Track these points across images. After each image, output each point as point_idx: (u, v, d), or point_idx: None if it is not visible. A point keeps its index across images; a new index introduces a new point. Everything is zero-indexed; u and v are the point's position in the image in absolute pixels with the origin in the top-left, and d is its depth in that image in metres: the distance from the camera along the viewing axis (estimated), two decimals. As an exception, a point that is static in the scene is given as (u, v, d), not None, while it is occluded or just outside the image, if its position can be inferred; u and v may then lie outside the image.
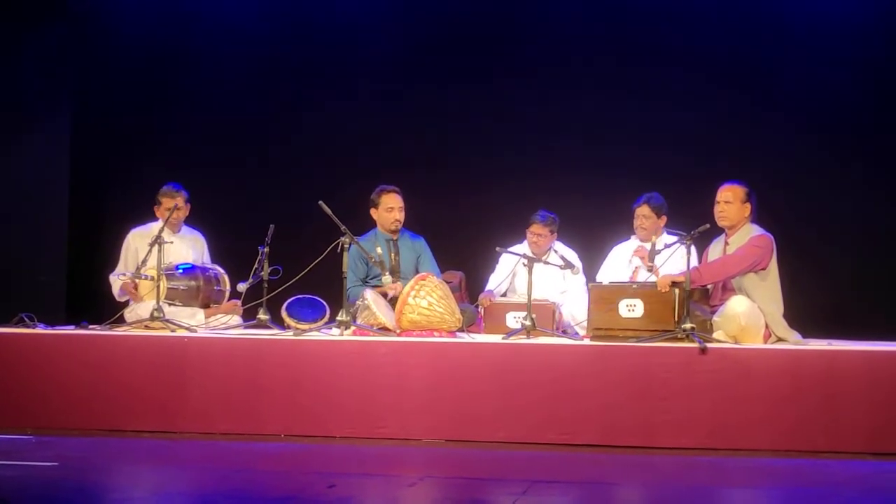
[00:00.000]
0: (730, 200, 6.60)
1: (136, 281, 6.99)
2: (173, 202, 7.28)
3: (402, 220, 7.44)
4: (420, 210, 7.72)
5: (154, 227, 7.21)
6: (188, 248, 7.42)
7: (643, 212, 7.27)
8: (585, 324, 6.87)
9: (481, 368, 6.10)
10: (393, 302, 6.88)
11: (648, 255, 6.67)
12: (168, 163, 8.75)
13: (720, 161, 8.12)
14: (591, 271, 7.62)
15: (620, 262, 7.41)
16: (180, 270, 7.11)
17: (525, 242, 7.60)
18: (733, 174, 6.79)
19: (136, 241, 7.27)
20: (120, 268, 7.26)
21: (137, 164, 8.99)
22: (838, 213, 8.40)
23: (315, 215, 6.76)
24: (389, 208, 7.40)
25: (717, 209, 6.64)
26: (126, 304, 7.22)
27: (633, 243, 7.38)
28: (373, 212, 7.48)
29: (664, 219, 7.28)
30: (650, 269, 6.63)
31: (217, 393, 6.21)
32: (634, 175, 8.11)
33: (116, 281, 7.24)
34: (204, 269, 7.27)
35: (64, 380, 6.31)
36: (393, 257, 7.41)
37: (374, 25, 9.00)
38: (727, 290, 6.59)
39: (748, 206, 6.60)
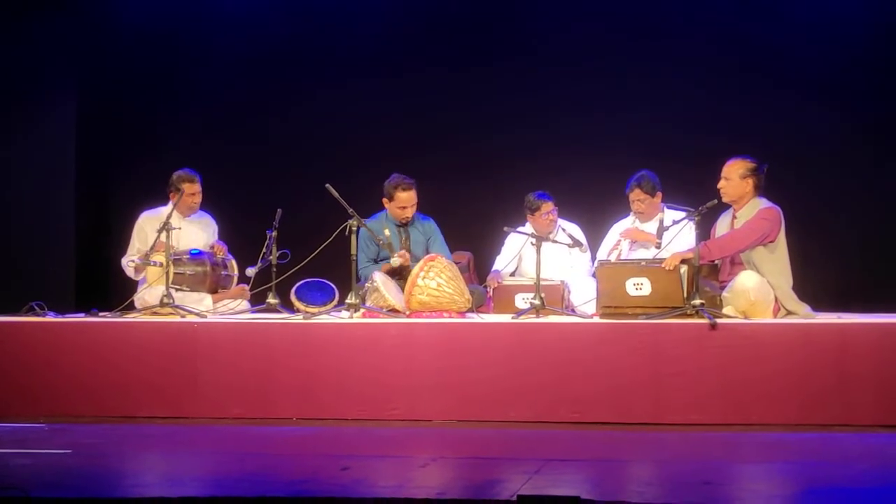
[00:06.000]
0: (728, 177, 6.57)
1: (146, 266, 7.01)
2: (195, 187, 7.27)
3: (413, 213, 7.40)
4: (427, 191, 7.69)
5: (164, 212, 7.20)
6: (198, 231, 7.40)
7: (637, 196, 7.20)
8: (591, 302, 6.86)
9: (491, 349, 6.10)
10: (402, 275, 6.90)
11: (657, 232, 6.65)
12: (175, 149, 8.74)
13: (727, 135, 8.06)
14: (595, 249, 7.59)
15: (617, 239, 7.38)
16: (188, 256, 7.11)
17: (528, 224, 7.52)
18: (740, 148, 6.75)
19: (148, 225, 7.24)
20: (131, 251, 7.25)
21: (144, 151, 8.98)
22: (847, 185, 8.34)
23: (322, 198, 6.75)
24: (402, 207, 7.31)
25: (719, 185, 6.62)
26: (135, 289, 7.24)
27: (631, 221, 7.35)
28: (385, 201, 7.42)
29: (660, 195, 7.21)
30: (658, 247, 6.61)
31: (228, 377, 6.23)
32: (642, 151, 8.06)
33: (129, 265, 7.25)
34: (211, 255, 7.26)
35: (75, 367, 6.34)
36: (403, 239, 7.38)
37: (379, 7, 8.96)
38: (736, 264, 6.57)
39: (749, 181, 6.56)
